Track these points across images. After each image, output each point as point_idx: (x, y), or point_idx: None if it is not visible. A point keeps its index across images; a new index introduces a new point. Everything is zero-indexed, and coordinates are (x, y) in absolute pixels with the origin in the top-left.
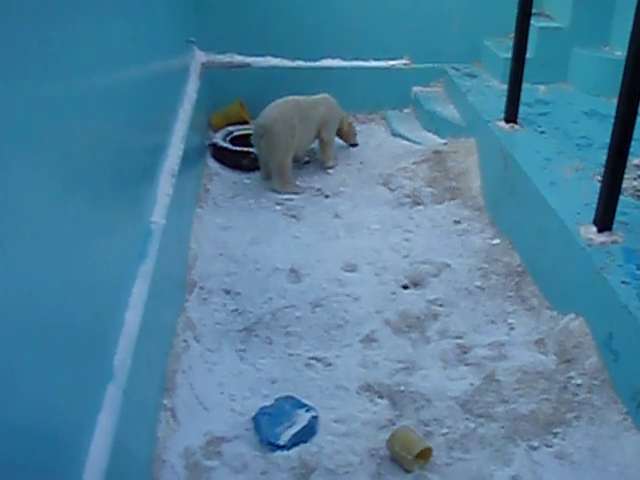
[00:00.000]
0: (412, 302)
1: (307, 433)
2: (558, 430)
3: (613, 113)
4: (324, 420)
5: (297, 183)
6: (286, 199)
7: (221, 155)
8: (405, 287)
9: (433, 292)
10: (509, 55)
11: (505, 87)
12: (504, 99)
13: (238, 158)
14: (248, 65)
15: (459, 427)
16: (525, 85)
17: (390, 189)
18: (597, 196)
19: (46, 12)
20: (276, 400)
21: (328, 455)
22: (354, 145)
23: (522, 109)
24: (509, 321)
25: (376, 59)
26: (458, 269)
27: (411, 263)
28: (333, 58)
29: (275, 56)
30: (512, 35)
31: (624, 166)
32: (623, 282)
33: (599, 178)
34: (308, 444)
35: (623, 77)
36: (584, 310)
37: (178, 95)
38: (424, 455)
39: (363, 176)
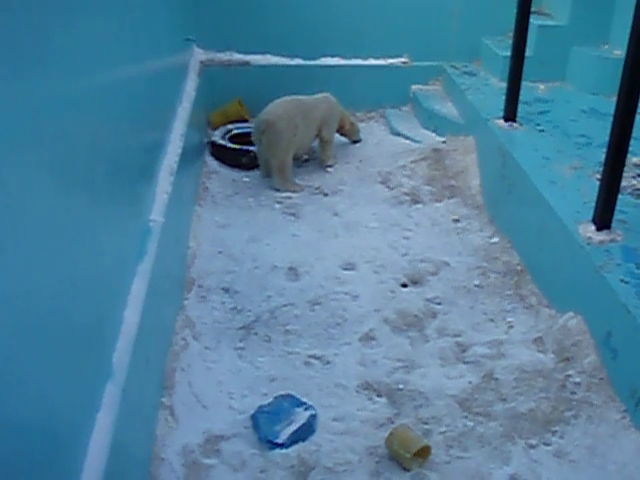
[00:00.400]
0: (411, 300)
1: (306, 431)
2: (557, 428)
3: (612, 112)
4: (323, 418)
5: (296, 181)
6: (285, 197)
7: (220, 153)
8: (404, 285)
9: (432, 290)
10: (508, 53)
11: (504, 85)
12: (503, 97)
13: (237, 156)
14: (247, 63)
15: (458, 425)
16: (524, 83)
17: (389, 187)
18: (596, 195)
19: (44, 10)
20: (275, 398)
21: (327, 453)
22: (357, 141)
23: (521, 107)
24: (508, 319)
25: (375, 57)
26: (457, 267)
27: (410, 261)
28: (332, 56)
29: (274, 54)
30: (511, 33)
31: (623, 165)
32: (622, 281)
33: (598, 177)
34: (307, 442)
35: (622, 76)
36: (583, 308)
37: (177, 93)
38: (423, 453)
39: (362, 174)
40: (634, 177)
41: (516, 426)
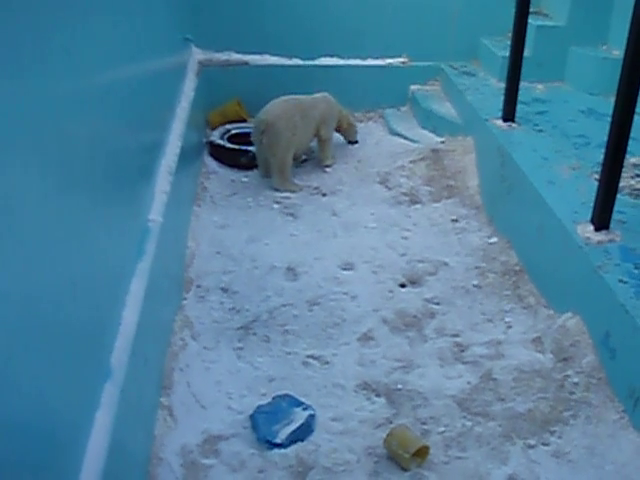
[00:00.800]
0: (409, 300)
1: (304, 431)
2: (555, 428)
3: (610, 112)
4: (321, 418)
5: (295, 181)
6: (284, 197)
7: (219, 153)
8: (402, 285)
9: (430, 290)
10: (507, 54)
11: (503, 86)
12: (502, 98)
13: (236, 156)
14: (246, 63)
15: (456, 425)
16: (523, 84)
17: (388, 187)
18: (594, 195)
19: (43, 10)
20: (273, 398)
21: (325, 453)
22: (353, 142)
23: (520, 108)
24: (506, 320)
25: (374, 57)
26: (455, 267)
27: (408, 261)
28: (331, 56)
29: (273, 54)
30: (510, 34)
31: (621, 165)
32: (620, 281)
33: (596, 177)
34: (305, 442)
35: (621, 76)
36: (581, 309)
37: (175, 93)
38: (421, 453)
39: (361, 174)
40: (632, 177)
41: (514, 426)
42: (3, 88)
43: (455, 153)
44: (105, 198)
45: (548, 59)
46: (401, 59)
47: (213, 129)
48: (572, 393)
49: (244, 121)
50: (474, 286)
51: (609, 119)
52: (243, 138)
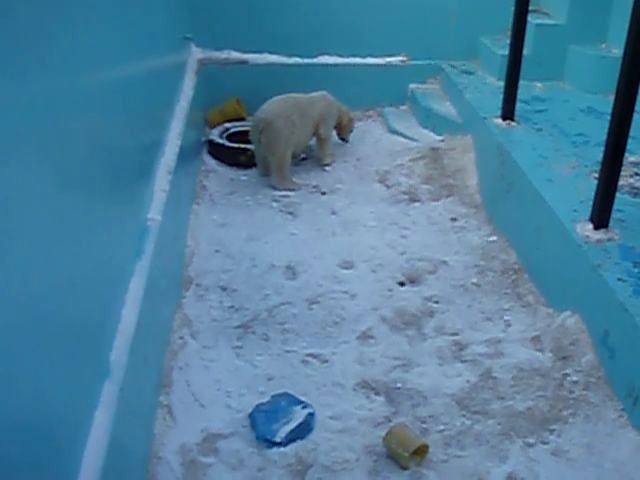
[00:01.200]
0: (408, 299)
1: (303, 430)
2: (554, 427)
3: (610, 110)
4: (320, 417)
5: (294, 180)
6: (283, 196)
7: (218, 152)
8: (401, 284)
9: (429, 289)
10: (506, 52)
11: (502, 84)
12: (501, 96)
13: (235, 155)
14: (245, 62)
15: (455, 424)
16: (522, 82)
17: (387, 186)
18: (593, 193)
19: (43, 9)
20: (272, 397)
21: (324, 452)
22: (344, 140)
23: (519, 106)
24: (505, 318)
25: (373, 56)
26: (454, 266)
27: (407, 260)
28: (330, 55)
29: (272, 53)
30: (509, 32)
31: (620, 163)
32: (619, 279)
33: (596, 175)
34: (304, 441)
35: (620, 74)
36: (580, 307)
37: (174, 92)
38: (420, 452)
39: (360, 173)
40: (632, 176)
41: (514, 425)
42: (1, 87)
43: (454, 152)
44: (104, 197)
45: (547, 58)
46: (400, 58)
47: (212, 128)
48: (571, 392)
49: (243, 119)
50: (473, 285)
51: (608, 118)
52: (242, 136)
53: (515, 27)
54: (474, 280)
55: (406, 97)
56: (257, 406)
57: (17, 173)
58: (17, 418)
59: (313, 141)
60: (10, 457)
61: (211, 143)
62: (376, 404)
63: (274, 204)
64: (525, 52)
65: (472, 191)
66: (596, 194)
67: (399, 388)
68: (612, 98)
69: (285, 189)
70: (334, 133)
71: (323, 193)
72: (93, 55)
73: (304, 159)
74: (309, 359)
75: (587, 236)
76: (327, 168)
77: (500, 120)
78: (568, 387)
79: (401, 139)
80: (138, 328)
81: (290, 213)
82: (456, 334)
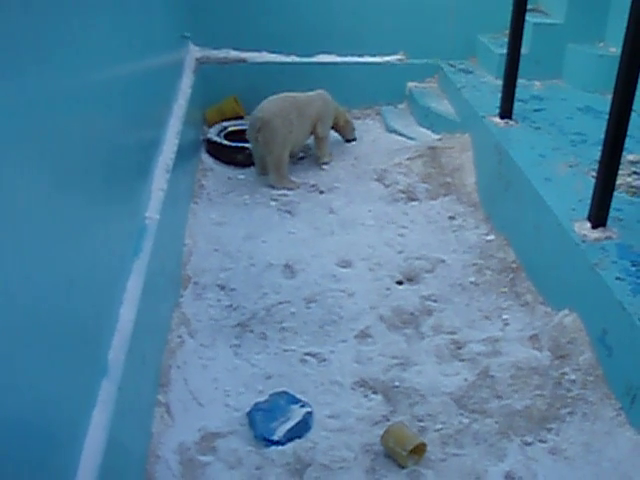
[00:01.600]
0: (406, 298)
1: (302, 428)
2: (552, 426)
3: (608, 109)
4: (318, 416)
5: (292, 179)
6: (281, 195)
7: (216, 150)
8: (399, 283)
9: (427, 288)
10: (504, 51)
11: (500, 83)
12: (499, 95)
13: (233, 153)
14: (243, 60)
15: (453, 423)
16: (520, 81)
17: (385, 185)
18: (591, 192)
19: (40, 8)
20: (271, 396)
21: (322, 450)
22: (350, 140)
23: (517, 105)
24: (503, 317)
25: (371, 54)
26: (452, 265)
27: (405, 259)
28: (328, 53)
29: (270, 51)
30: (507, 31)
31: (618, 162)
32: (617, 278)
33: (593, 174)
34: (302, 439)
35: (618, 73)
36: (578, 306)
37: (172, 91)
38: (418, 451)
39: (358, 172)
40: (629, 174)
41: (512, 423)
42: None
43: (452, 150)
44: (102, 195)
45: (545, 56)
46: (398, 56)
47: (210, 126)
48: (569, 390)
49: (241, 118)
50: (471, 283)
51: (606, 116)
52: (240, 135)
53: (513, 26)
54: (472, 279)
55: (404, 96)
56: (255, 405)
57: (14, 172)
58: (15, 417)
59: (311, 140)
60: (8, 456)
61: (209, 142)
62: (374, 403)
63: (272, 203)
64: (523, 51)
65: (470, 190)
66: (594, 193)
67: (397, 387)
68: (610, 97)
69: (283, 188)
70: (340, 136)
71: (321, 192)
72: (91, 54)
73: (302, 158)
74: (307, 358)
75: (585, 235)
76: (325, 167)
77: (498, 119)
78: (566, 386)
79: (399, 138)
80: (136, 327)
81: (288, 212)
82: (454, 333)
